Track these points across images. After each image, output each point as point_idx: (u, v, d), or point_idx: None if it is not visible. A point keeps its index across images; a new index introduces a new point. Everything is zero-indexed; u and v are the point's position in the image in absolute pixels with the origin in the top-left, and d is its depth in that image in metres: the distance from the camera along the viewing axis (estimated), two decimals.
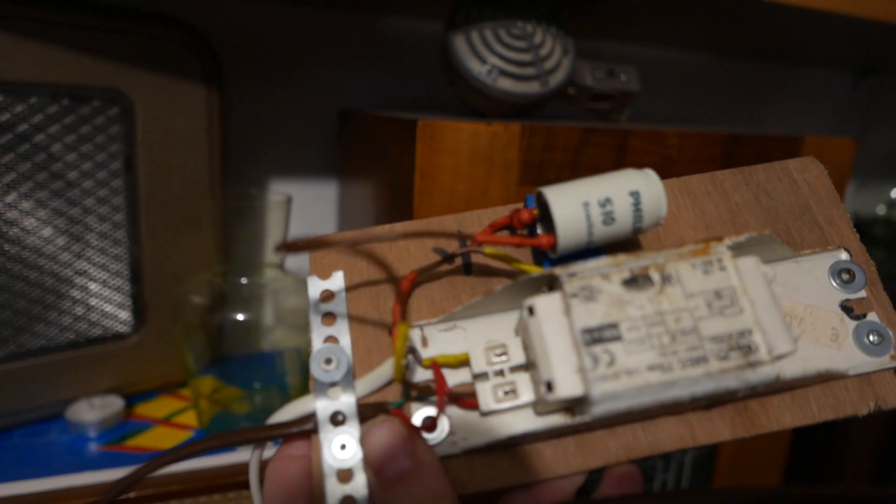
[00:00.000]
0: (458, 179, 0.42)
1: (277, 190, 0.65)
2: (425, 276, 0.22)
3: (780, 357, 0.19)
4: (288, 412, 0.21)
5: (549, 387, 0.18)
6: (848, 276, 0.22)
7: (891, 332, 0.21)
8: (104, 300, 0.49)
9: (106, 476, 0.44)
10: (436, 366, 0.20)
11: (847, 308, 0.22)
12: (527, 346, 0.20)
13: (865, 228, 0.87)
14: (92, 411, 0.48)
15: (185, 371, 0.53)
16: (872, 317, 0.22)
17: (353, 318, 0.22)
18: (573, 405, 0.19)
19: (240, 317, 0.49)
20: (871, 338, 0.21)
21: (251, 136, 0.62)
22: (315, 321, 0.22)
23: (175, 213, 0.50)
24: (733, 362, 0.18)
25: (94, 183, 0.47)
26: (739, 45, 0.77)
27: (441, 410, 0.20)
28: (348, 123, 0.60)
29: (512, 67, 0.46)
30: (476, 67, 0.46)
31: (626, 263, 0.19)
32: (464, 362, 0.21)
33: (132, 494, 0.44)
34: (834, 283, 0.22)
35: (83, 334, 0.49)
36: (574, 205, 0.20)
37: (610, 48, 0.76)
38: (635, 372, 0.18)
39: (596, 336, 0.18)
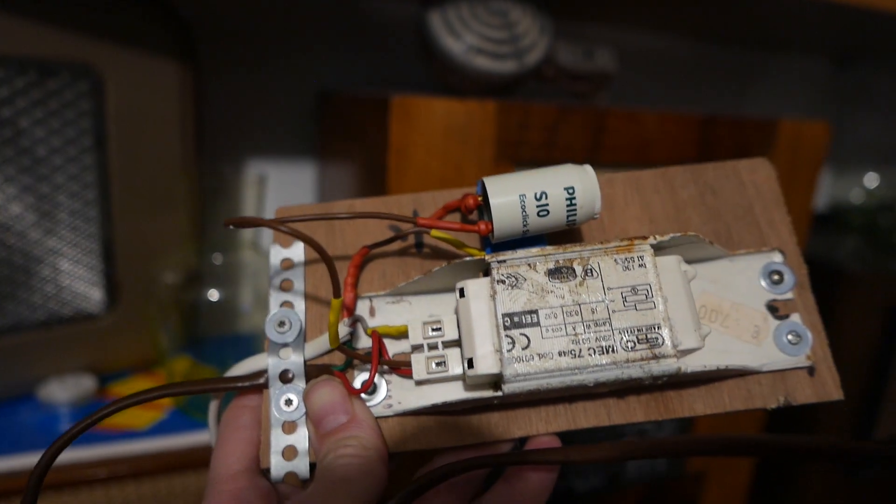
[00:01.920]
0: (433, 157, 0.42)
1: (256, 170, 0.64)
2: (380, 250, 0.24)
3: (686, 351, 0.20)
4: (243, 367, 0.23)
5: (470, 364, 0.20)
6: (778, 277, 0.23)
7: (810, 334, 0.22)
8: (76, 279, 0.49)
9: (79, 454, 0.44)
10: (376, 335, 0.22)
11: (772, 308, 0.23)
12: (459, 328, 0.21)
13: (841, 216, 0.88)
14: (64, 390, 0.48)
15: (158, 352, 0.52)
16: (795, 318, 0.23)
17: (309, 286, 0.24)
18: (497, 381, 0.21)
19: (214, 296, 0.49)
20: (789, 337, 0.22)
21: (229, 116, 0.62)
22: (274, 286, 0.23)
23: (148, 191, 0.50)
24: (639, 353, 0.19)
25: (65, 159, 0.46)
26: (719, 31, 0.77)
27: (374, 374, 0.21)
28: (327, 104, 0.60)
29: (488, 45, 0.46)
30: (452, 45, 0.46)
31: (553, 255, 0.21)
32: (403, 334, 0.22)
33: (104, 474, 0.43)
34: (763, 284, 0.23)
35: (54, 313, 0.48)
36: (511, 196, 0.21)
37: (591, 32, 0.76)
38: (547, 356, 0.19)
39: (516, 321, 0.20)
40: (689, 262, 0.22)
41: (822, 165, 0.58)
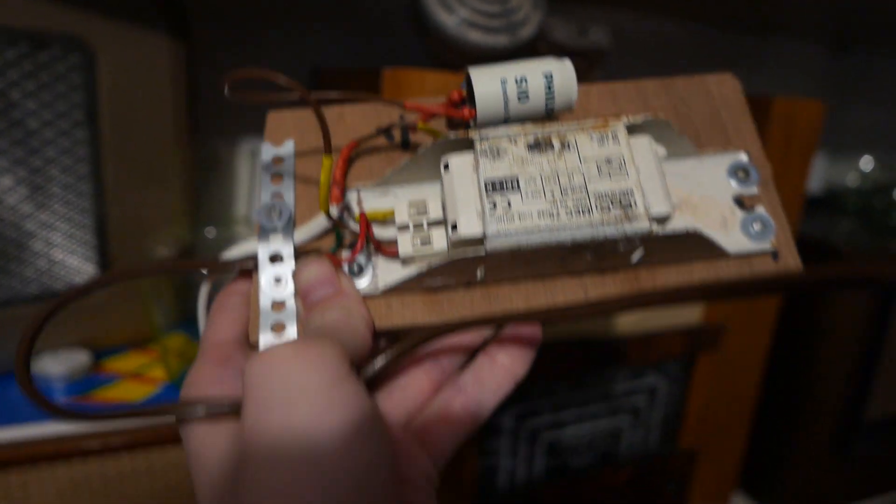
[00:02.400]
0: None
1: (249, 146, 0.64)
2: (368, 148, 0.25)
3: (658, 218, 0.22)
4: (234, 252, 0.24)
5: (455, 227, 0.21)
6: (744, 174, 0.24)
7: (774, 224, 0.23)
8: (68, 253, 0.49)
9: (74, 426, 0.44)
10: (363, 215, 0.23)
11: (739, 201, 0.24)
12: (444, 204, 0.22)
13: (837, 199, 0.88)
14: (58, 364, 0.48)
15: (152, 328, 0.53)
16: (760, 210, 0.24)
17: (298, 179, 0.24)
18: (480, 244, 0.22)
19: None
20: (755, 226, 0.23)
21: (222, 91, 0.61)
22: (265, 180, 0.24)
23: (141, 166, 0.50)
24: (613, 215, 0.21)
25: (56, 133, 0.46)
26: (716, 14, 0.77)
27: (362, 243, 0.22)
28: (320, 80, 0.60)
29: (481, 19, 0.46)
30: (446, 19, 0.46)
31: (533, 131, 0.22)
32: (390, 217, 0.23)
33: (97, 446, 0.44)
34: (730, 180, 0.24)
35: (47, 288, 0.48)
36: (493, 82, 0.22)
37: (587, 13, 0.76)
38: (527, 216, 0.21)
39: (497, 186, 0.21)
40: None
41: (817, 145, 0.58)
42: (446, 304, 0.23)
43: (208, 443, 0.20)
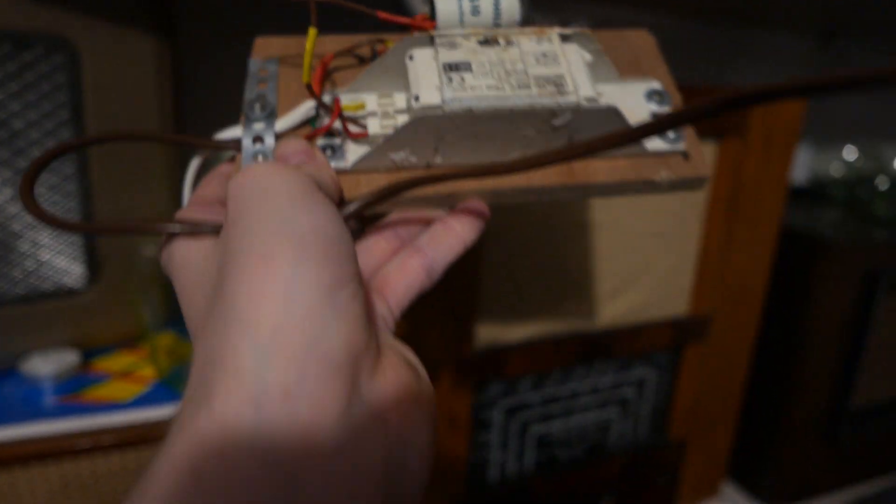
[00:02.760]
0: None
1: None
2: (342, 65, 0.29)
3: (586, 98, 0.26)
4: (220, 135, 0.27)
5: (417, 98, 0.25)
6: (659, 97, 0.29)
7: (684, 132, 0.28)
8: (56, 253, 0.49)
9: (64, 425, 0.44)
10: (337, 99, 0.26)
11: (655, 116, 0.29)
12: (409, 87, 0.26)
13: (822, 189, 0.89)
14: (47, 364, 0.48)
15: (141, 327, 0.53)
16: None
17: (282, 82, 0.28)
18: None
19: None
20: (669, 135, 0.28)
21: (209, 91, 0.61)
22: (251, 84, 0.28)
23: (127, 165, 0.50)
24: (548, 90, 0.25)
25: (42, 133, 0.46)
26: (701, 7, 0.77)
27: (334, 118, 0.25)
28: None
29: None
30: (424, 10, 0.46)
31: (483, 33, 0.27)
32: (361, 109, 0.27)
33: (88, 445, 0.44)
34: (648, 103, 0.29)
35: (35, 288, 0.48)
36: (452, 1, 0.27)
37: (574, 7, 0.76)
38: (478, 88, 0.25)
39: (453, 67, 0.26)
40: None
41: (801, 137, 0.59)
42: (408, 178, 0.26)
43: (193, 249, 0.21)
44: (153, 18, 0.49)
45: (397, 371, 0.19)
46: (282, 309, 0.16)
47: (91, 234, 0.50)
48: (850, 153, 0.91)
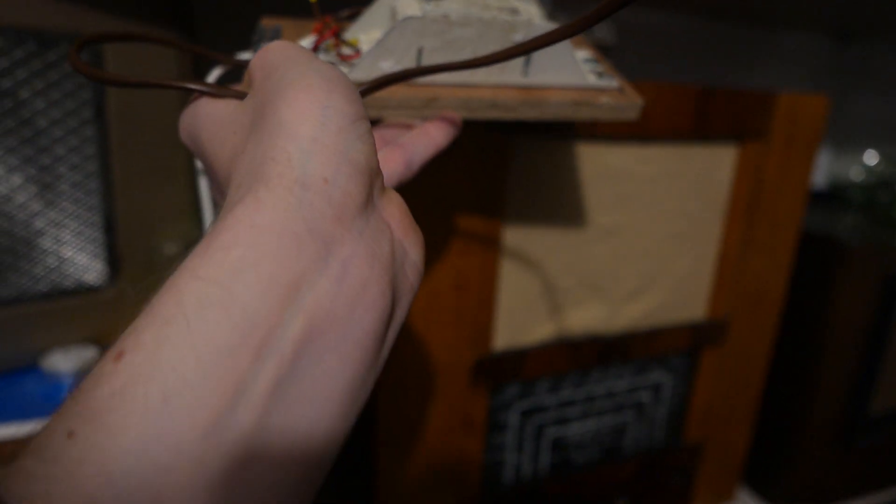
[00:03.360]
0: None
1: None
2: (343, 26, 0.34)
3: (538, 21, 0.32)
4: (238, 56, 0.32)
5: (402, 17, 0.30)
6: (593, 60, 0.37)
7: (614, 76, 0.35)
8: (77, 251, 0.49)
9: None
10: (328, 18, 0.32)
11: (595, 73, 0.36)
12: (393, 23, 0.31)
13: (841, 193, 0.88)
14: (67, 361, 0.49)
15: None
16: (609, 74, 0.36)
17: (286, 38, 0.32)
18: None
19: None
20: (605, 78, 0.34)
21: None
22: (259, 31, 0.34)
23: (149, 162, 0.50)
24: (506, 11, 0.32)
25: (65, 131, 0.46)
26: (720, 7, 0.77)
27: (331, 34, 0.31)
28: None
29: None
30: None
31: None
32: (356, 44, 0.31)
33: None
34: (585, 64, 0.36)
35: (56, 285, 0.49)
36: None
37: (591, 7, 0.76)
38: (451, 9, 0.30)
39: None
40: None
41: (822, 140, 0.58)
42: (392, 89, 0.31)
43: (220, 105, 0.24)
44: (174, 17, 0.49)
45: (397, 201, 0.23)
46: (319, 126, 0.19)
47: (112, 235, 0.50)
48: (870, 158, 0.90)
